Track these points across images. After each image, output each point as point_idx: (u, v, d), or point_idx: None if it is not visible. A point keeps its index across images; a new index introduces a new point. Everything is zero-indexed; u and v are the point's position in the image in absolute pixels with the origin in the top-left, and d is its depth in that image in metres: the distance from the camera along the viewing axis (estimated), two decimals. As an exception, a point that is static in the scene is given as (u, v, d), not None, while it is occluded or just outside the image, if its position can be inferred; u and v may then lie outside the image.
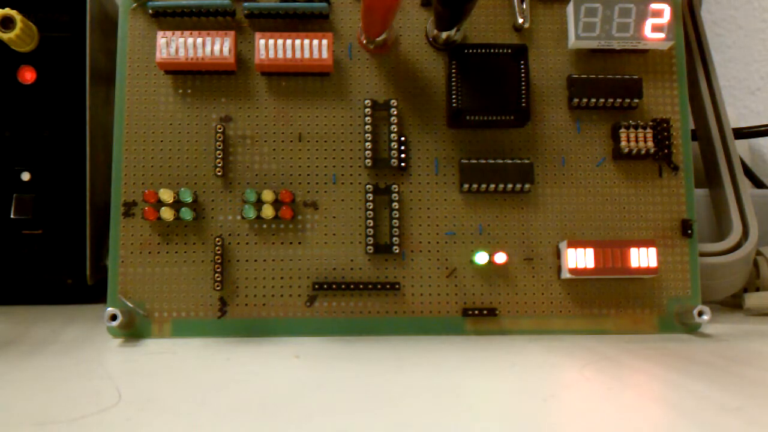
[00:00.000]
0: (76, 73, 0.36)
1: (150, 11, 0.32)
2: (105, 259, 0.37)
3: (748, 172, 0.49)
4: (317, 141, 0.32)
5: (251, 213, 0.31)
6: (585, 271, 0.31)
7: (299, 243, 0.32)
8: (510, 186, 0.32)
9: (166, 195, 0.31)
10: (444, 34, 0.32)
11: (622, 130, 0.33)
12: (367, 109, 0.32)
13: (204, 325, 0.31)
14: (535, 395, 0.22)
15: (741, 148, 0.54)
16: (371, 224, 0.32)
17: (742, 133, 0.47)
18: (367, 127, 0.32)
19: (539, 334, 0.32)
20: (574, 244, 0.31)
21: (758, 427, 0.19)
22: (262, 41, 0.31)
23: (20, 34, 0.34)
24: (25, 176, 0.36)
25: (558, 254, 0.32)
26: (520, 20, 0.33)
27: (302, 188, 0.32)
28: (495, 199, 0.32)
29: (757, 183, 0.51)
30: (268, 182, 0.32)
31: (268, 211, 0.31)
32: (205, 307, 0.31)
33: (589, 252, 0.31)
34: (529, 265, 0.32)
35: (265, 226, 0.32)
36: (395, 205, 0.32)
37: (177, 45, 0.31)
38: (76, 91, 0.36)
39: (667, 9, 0.32)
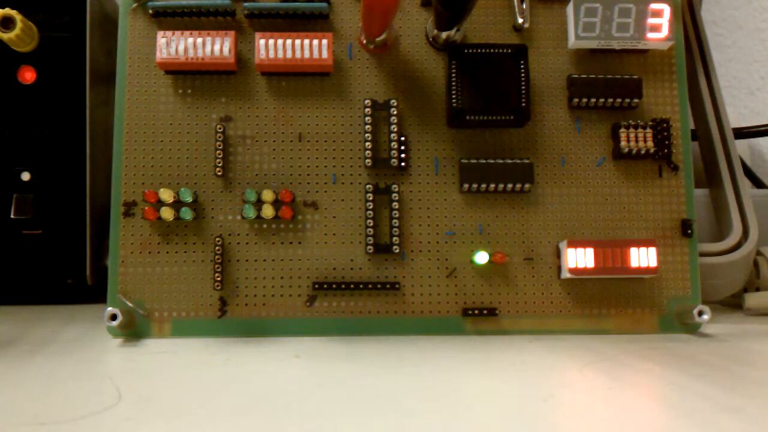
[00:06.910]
0: (76, 73, 0.36)
1: (150, 11, 0.32)
2: (105, 259, 0.37)
3: (748, 172, 0.49)
4: (317, 141, 0.32)
5: (251, 213, 0.31)
6: (585, 270, 0.31)
7: (299, 243, 0.32)
8: (510, 186, 0.32)
9: (166, 195, 0.31)
10: (444, 34, 0.32)
11: (622, 129, 0.33)
12: (367, 109, 0.32)
13: (204, 325, 0.31)
14: (535, 395, 0.22)
15: (741, 148, 0.54)
16: (371, 224, 0.32)
17: (742, 133, 0.47)
18: (367, 127, 0.32)
19: (539, 334, 0.32)
20: (574, 243, 0.31)
21: (758, 427, 0.19)
22: (262, 41, 0.31)
23: (20, 34, 0.34)
24: (25, 176, 0.36)
25: (558, 254, 0.32)
26: (520, 20, 0.33)
27: (302, 188, 0.32)
28: (495, 199, 0.32)
29: (757, 183, 0.50)
30: (268, 182, 0.32)
31: (268, 211, 0.31)
32: (205, 307, 0.31)
33: (589, 252, 0.31)
34: (529, 265, 0.32)
35: (265, 226, 0.32)
36: (395, 205, 0.32)
37: (177, 45, 0.31)
38: (76, 91, 0.36)
39: (666, 9, 0.32)
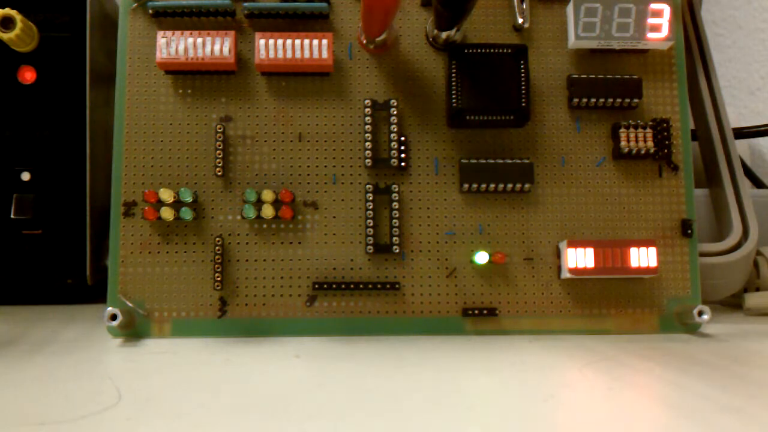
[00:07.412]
0: (76, 73, 0.36)
1: (150, 11, 0.32)
2: (105, 259, 0.37)
3: (748, 172, 0.49)
4: (317, 141, 0.32)
5: (251, 213, 0.31)
6: (585, 270, 0.31)
7: (299, 243, 0.32)
8: (510, 186, 0.32)
9: (166, 195, 0.31)
10: (444, 34, 0.32)
11: (622, 129, 0.33)
12: (367, 109, 0.32)
13: (204, 325, 0.31)
14: (535, 395, 0.22)
15: (741, 148, 0.54)
16: (371, 224, 0.32)
17: (742, 133, 0.47)
18: (367, 127, 0.32)
19: (539, 334, 0.32)
20: (574, 243, 0.31)
21: (758, 427, 0.19)
22: (262, 41, 0.31)
23: (20, 34, 0.34)
24: (25, 176, 0.36)
25: (558, 254, 0.32)
26: (520, 20, 0.33)
27: (302, 188, 0.32)
28: (495, 199, 0.32)
29: (757, 183, 0.50)
30: (268, 182, 0.32)
31: (268, 211, 0.31)
32: (205, 307, 0.31)
33: (589, 252, 0.31)
34: (529, 265, 0.32)
35: (265, 226, 0.32)
36: (395, 205, 0.32)
37: (177, 45, 0.31)
38: (76, 91, 0.36)
39: (666, 9, 0.32)
